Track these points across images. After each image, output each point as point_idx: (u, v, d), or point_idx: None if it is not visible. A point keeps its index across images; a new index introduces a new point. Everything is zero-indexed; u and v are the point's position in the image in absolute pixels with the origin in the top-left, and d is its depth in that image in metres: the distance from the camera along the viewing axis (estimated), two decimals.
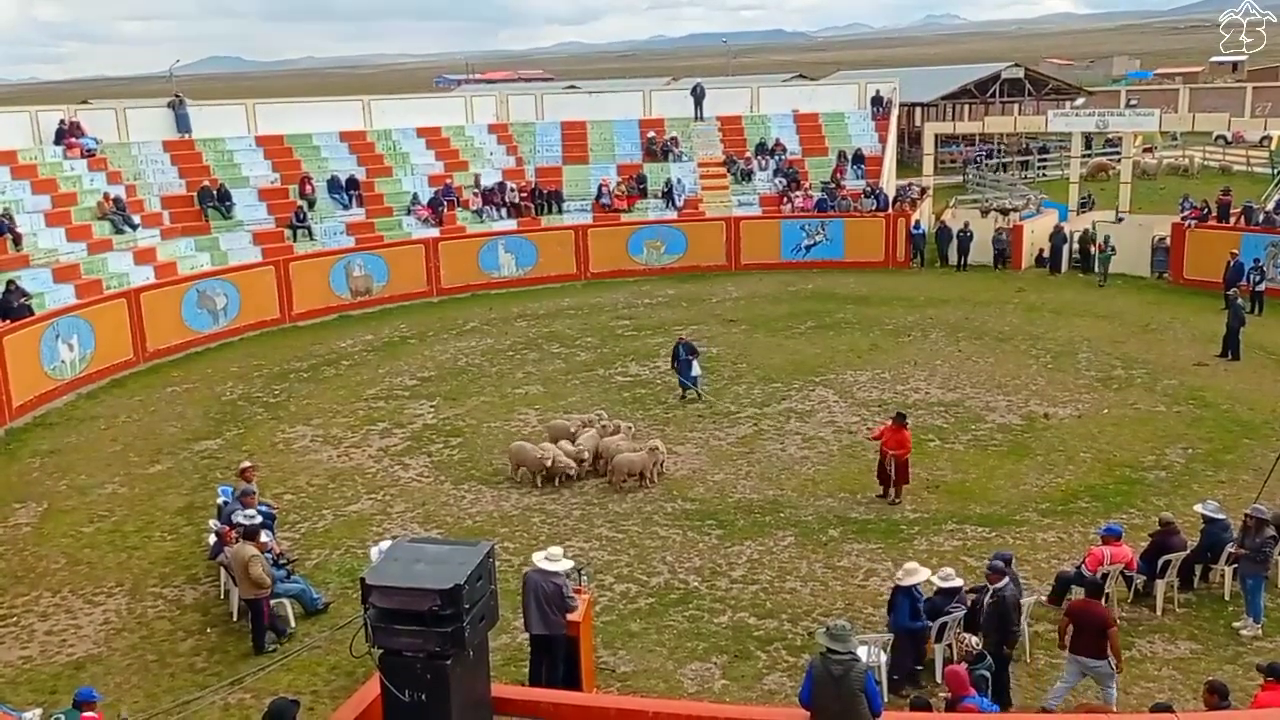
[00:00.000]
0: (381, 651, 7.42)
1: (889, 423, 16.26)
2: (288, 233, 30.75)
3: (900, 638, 11.05)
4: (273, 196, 31.82)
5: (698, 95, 38.33)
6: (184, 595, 13.77)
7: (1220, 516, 12.78)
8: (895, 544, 14.45)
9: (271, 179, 32.45)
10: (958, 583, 11.45)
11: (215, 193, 30.58)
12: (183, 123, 32.59)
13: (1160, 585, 12.43)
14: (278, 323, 28.41)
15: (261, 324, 28.01)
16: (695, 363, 21.26)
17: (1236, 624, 12.00)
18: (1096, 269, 30.56)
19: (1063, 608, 11.45)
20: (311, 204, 31.74)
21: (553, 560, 10.69)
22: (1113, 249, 30.54)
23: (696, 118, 38.06)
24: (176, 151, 31.90)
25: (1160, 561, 12.44)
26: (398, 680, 7.35)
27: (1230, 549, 12.46)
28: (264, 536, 12.98)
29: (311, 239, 30.91)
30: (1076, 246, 32.32)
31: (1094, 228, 32.83)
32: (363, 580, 7.54)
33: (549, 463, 16.63)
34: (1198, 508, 13.15)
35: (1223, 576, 12.77)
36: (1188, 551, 12.66)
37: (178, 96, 34.04)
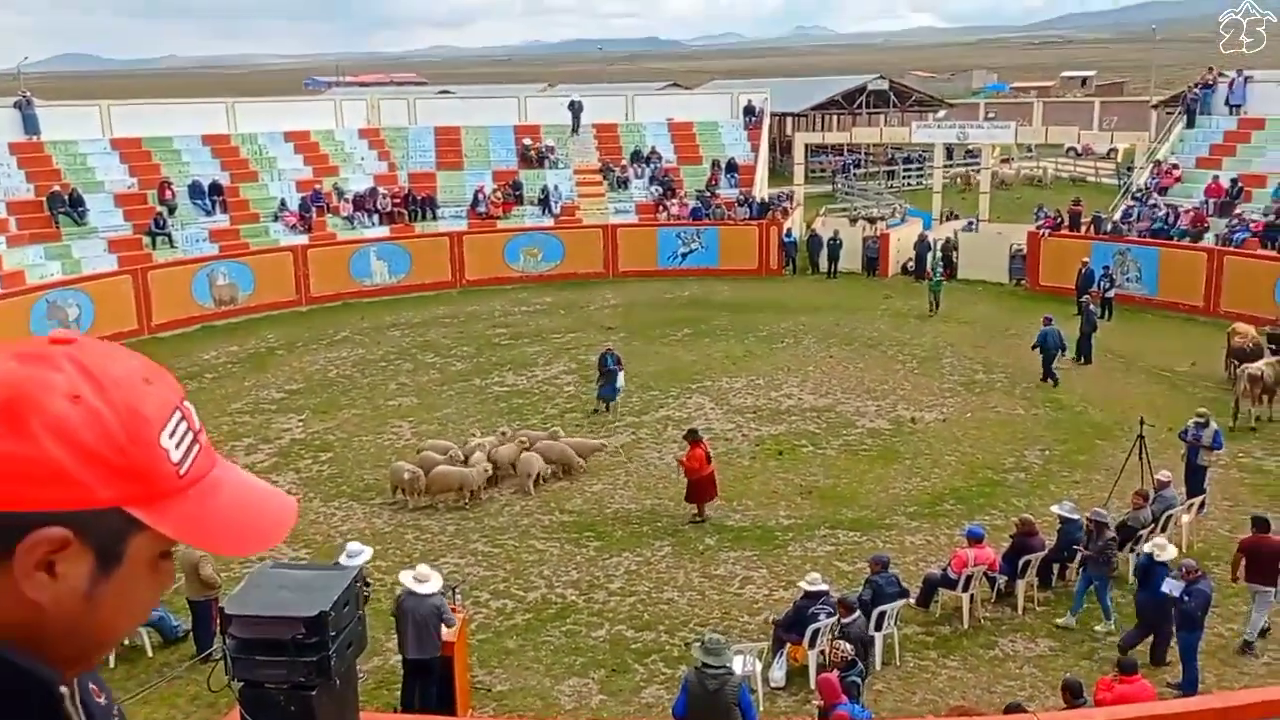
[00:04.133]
0: (242, 684, 7.15)
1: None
2: (146, 240, 29.49)
3: (1148, 613, 11.51)
4: (130, 202, 30.46)
5: (576, 110, 38.10)
6: None
7: (1075, 517, 13.33)
8: (770, 550, 14.65)
9: (129, 184, 31.06)
10: (823, 587, 11.66)
11: (66, 198, 29.10)
12: (30, 124, 30.93)
13: (1021, 585, 12.89)
14: (135, 334, 27.16)
15: (118, 335, 26.71)
16: (621, 374, 20.93)
17: (1098, 627, 12.45)
18: (928, 297, 28.73)
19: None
20: (172, 210, 30.51)
21: (422, 580, 10.46)
22: (941, 277, 29.61)
23: (574, 131, 37.84)
24: (24, 154, 30.24)
25: (1020, 562, 12.91)
26: (260, 713, 7.07)
27: (1078, 550, 13.00)
28: None
29: (172, 246, 29.71)
30: (940, 254, 33.34)
31: (955, 236, 33.98)
32: (222, 610, 7.26)
33: (420, 480, 16.28)
34: (1054, 509, 13.70)
35: (1078, 575, 13.32)
36: (1046, 551, 13.16)
37: (25, 95, 32.34)
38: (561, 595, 13.52)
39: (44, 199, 28.97)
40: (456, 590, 12.06)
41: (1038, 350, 22.09)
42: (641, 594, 13.50)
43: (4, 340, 1.23)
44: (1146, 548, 12.02)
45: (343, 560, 10.45)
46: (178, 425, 1.23)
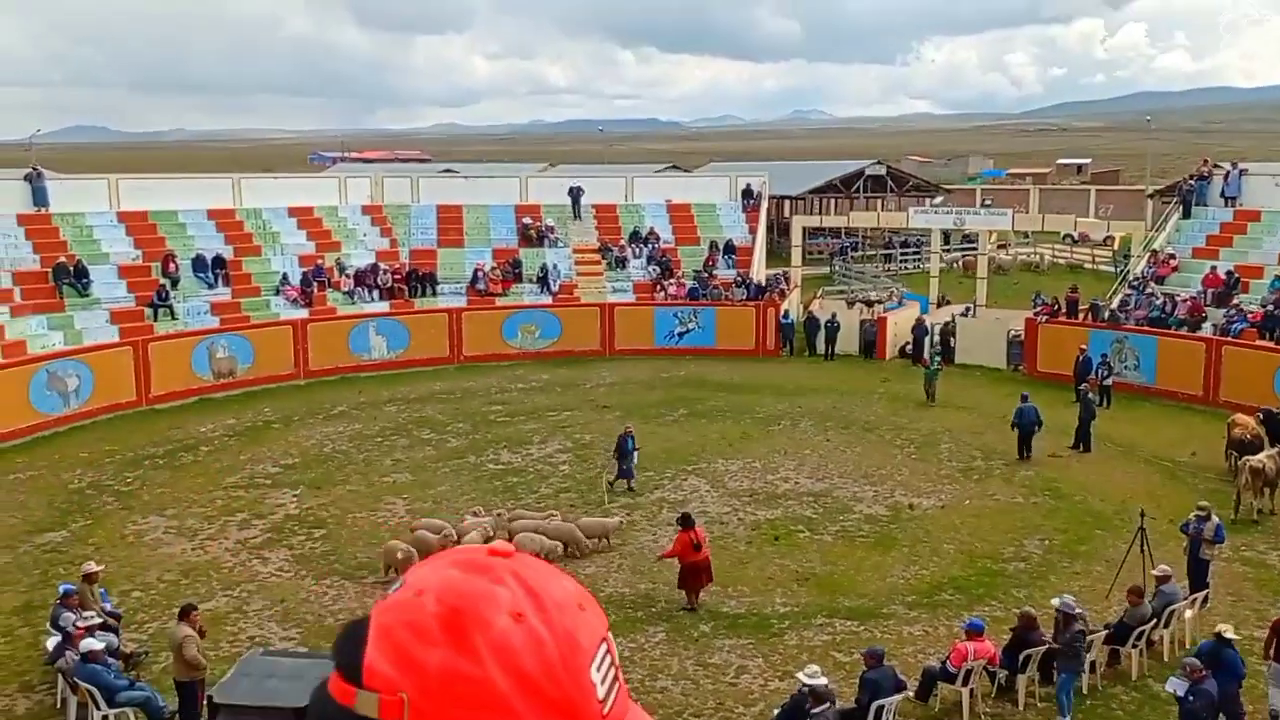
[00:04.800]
0: None
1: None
2: (148, 312, 29.63)
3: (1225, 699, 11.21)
4: (134, 274, 30.69)
5: (575, 196, 38.51)
6: (15, 705, 12.78)
7: (1076, 611, 13.17)
8: (766, 639, 14.45)
9: (133, 256, 31.33)
10: (823, 680, 11.47)
11: (72, 269, 29.32)
12: (40, 196, 31.28)
13: (1022, 680, 12.70)
14: (134, 405, 27.17)
15: (116, 406, 26.74)
16: (635, 455, 21.09)
17: None
18: (924, 386, 28.21)
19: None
20: (175, 283, 30.71)
21: None
22: (939, 365, 29.29)
23: (574, 216, 38.18)
24: (32, 226, 30.54)
25: (1021, 656, 12.73)
26: None
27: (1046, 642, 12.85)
28: (96, 643, 12.19)
29: (174, 318, 29.85)
30: (938, 339, 33.50)
31: (954, 321, 34.16)
32: (209, 698, 7.13)
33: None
34: (1054, 602, 13.53)
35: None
36: (1047, 645, 12.99)
37: (35, 169, 32.77)
38: None
39: (49, 270, 29.17)
40: None
41: (1015, 429, 22.66)
42: (634, 682, 13.27)
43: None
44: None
45: None
46: (604, 658, 1.11)
